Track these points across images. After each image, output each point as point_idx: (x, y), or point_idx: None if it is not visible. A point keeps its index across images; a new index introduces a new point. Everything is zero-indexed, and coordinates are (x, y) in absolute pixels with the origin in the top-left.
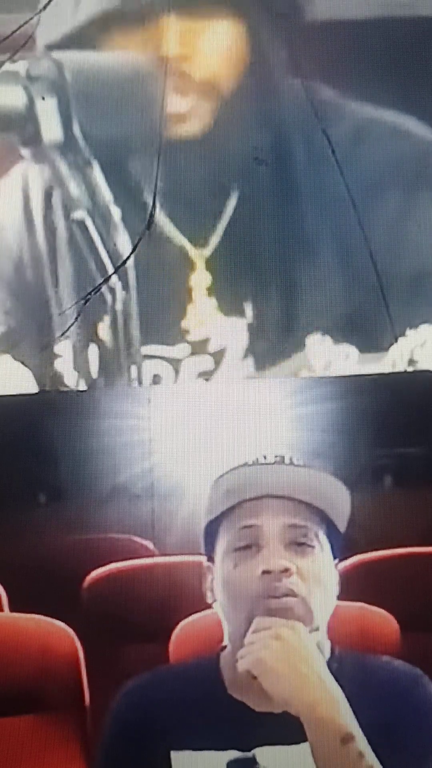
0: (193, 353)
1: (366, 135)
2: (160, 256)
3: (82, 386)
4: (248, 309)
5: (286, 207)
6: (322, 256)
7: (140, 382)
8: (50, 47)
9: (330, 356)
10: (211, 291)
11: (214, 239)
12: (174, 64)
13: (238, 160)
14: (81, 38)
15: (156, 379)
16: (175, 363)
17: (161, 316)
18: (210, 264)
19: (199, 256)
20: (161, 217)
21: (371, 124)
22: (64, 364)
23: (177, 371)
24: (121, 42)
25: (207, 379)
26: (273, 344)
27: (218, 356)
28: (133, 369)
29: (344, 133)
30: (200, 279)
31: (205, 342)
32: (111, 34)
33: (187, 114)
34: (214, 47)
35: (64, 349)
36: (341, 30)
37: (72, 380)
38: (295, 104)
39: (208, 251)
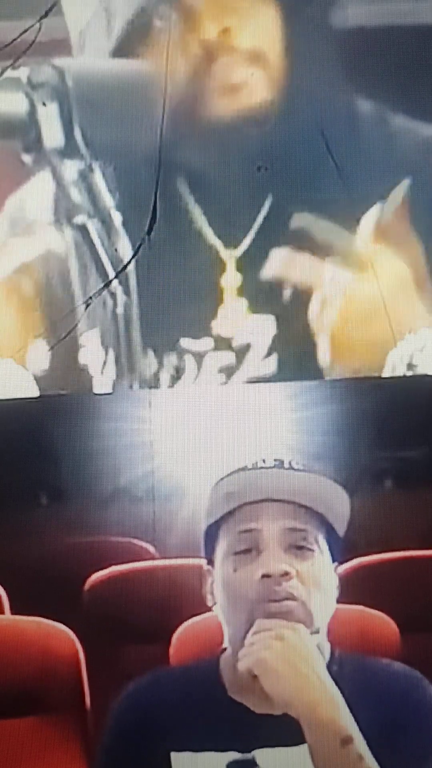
0: (216, 348)
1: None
2: (191, 253)
3: (85, 389)
4: (276, 308)
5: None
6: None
7: (141, 384)
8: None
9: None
10: (241, 291)
11: (247, 240)
12: (216, 40)
13: (271, 148)
14: (124, 49)
15: (179, 372)
16: (197, 357)
17: (190, 313)
18: (240, 264)
19: (230, 256)
20: (196, 213)
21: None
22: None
23: (199, 365)
24: (155, 45)
25: (228, 375)
26: (298, 344)
27: (241, 353)
28: (134, 368)
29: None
30: (230, 279)
31: (229, 339)
32: (149, 33)
33: (241, 85)
34: (255, 22)
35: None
36: (363, 36)
37: (76, 382)
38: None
39: (239, 252)
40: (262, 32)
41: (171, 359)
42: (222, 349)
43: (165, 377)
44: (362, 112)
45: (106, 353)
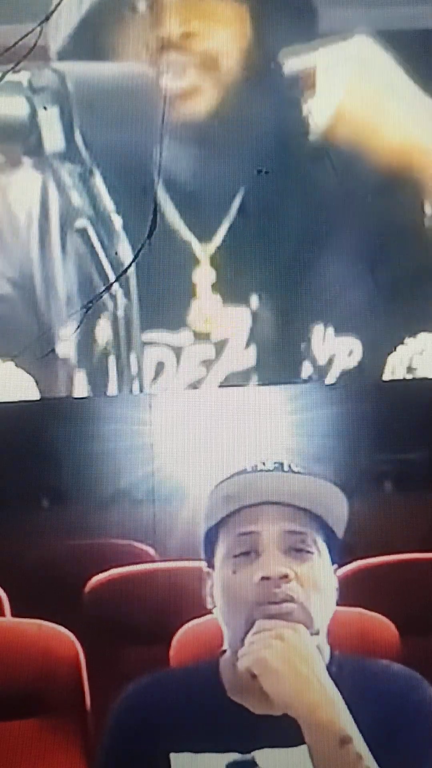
0: (195, 341)
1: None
2: (166, 249)
3: (84, 392)
4: (253, 300)
5: (291, 203)
6: (327, 255)
7: (141, 388)
8: (60, 54)
9: (333, 349)
10: (215, 287)
11: (219, 235)
12: (176, 41)
13: (239, 159)
14: (85, 32)
15: (159, 367)
16: (177, 350)
17: (165, 307)
18: (214, 260)
19: (203, 251)
20: (169, 210)
21: None
22: (68, 369)
23: (179, 358)
24: (121, 30)
25: (208, 369)
26: (276, 334)
27: (220, 345)
28: (134, 371)
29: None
30: (204, 275)
31: (207, 333)
32: (112, 23)
33: (191, 90)
34: (215, 24)
35: (67, 353)
36: None
37: (76, 386)
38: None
39: (212, 247)
40: (225, 39)
41: (151, 354)
42: (201, 343)
43: (147, 374)
44: None
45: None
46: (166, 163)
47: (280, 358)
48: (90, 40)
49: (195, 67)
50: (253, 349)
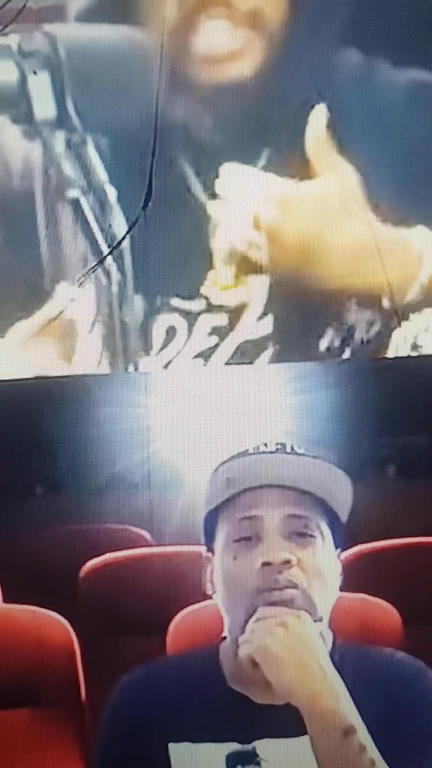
0: (208, 309)
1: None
2: (184, 214)
3: (79, 370)
4: (268, 273)
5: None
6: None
7: (135, 365)
8: (79, 18)
9: (353, 321)
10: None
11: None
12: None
13: (279, 109)
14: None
15: (170, 332)
16: (190, 317)
17: (180, 272)
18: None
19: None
20: (191, 177)
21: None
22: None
23: (191, 326)
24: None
25: (221, 337)
26: (295, 304)
27: (235, 313)
28: (129, 346)
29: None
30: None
31: (223, 299)
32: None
33: (239, 52)
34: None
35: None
36: None
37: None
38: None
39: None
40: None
41: (162, 320)
42: (215, 312)
43: (157, 339)
44: (361, 68)
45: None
46: (185, 124)
47: (297, 329)
48: (110, 6)
49: (238, 26)
50: (269, 319)
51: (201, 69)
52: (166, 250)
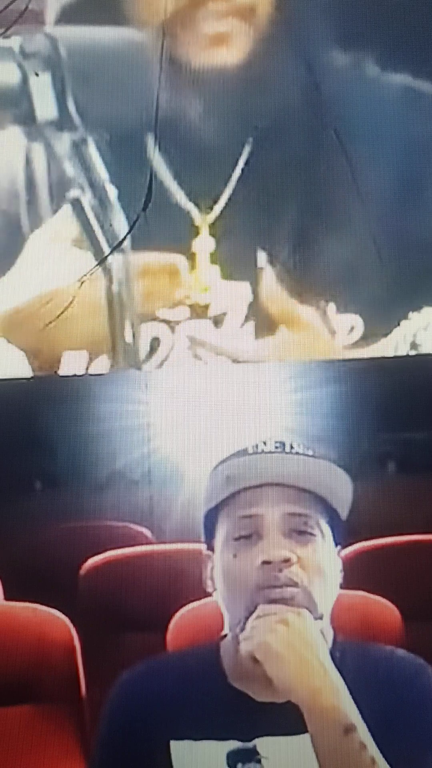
0: (192, 317)
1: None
2: (164, 217)
3: (79, 369)
4: (251, 274)
5: (293, 172)
6: (328, 227)
7: (137, 365)
8: (59, 20)
9: (335, 325)
10: (215, 257)
11: (219, 204)
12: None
13: (239, 128)
14: (78, 13)
15: (155, 343)
16: (173, 326)
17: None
18: (214, 229)
19: (203, 221)
20: (167, 178)
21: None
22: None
23: (174, 334)
24: (120, 13)
25: (203, 346)
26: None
27: (218, 320)
28: (129, 346)
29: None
30: (203, 244)
31: (205, 307)
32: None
33: (227, 37)
34: None
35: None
36: None
37: (72, 362)
38: (296, 73)
39: (212, 216)
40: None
41: (147, 330)
42: (198, 318)
43: (143, 350)
44: (345, 64)
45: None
46: (165, 130)
47: (274, 332)
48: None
49: (232, 14)
50: (251, 325)
51: (198, 57)
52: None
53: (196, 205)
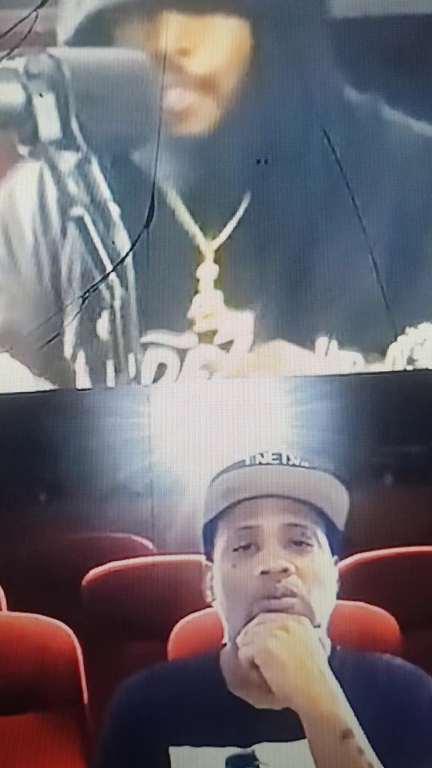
0: (198, 343)
1: (368, 133)
2: (170, 243)
3: (82, 383)
4: (255, 304)
5: (295, 206)
6: (327, 255)
7: (138, 380)
8: (67, 43)
9: (336, 362)
10: (218, 283)
11: (226, 231)
12: (174, 58)
13: (246, 159)
14: (83, 35)
15: (161, 369)
16: (181, 353)
17: (167, 303)
18: (219, 256)
19: (208, 247)
20: (176, 203)
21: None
22: (64, 361)
23: (182, 361)
24: (121, 36)
25: (211, 372)
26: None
27: (225, 348)
28: (131, 363)
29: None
30: (208, 271)
31: (212, 333)
32: (112, 29)
33: (187, 111)
34: (216, 44)
35: (64, 345)
36: (360, 28)
37: (73, 377)
38: (303, 103)
39: (217, 243)
40: (225, 57)
41: (154, 355)
42: (206, 344)
43: (147, 374)
44: (354, 104)
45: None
46: (174, 156)
47: (279, 362)
48: (98, 32)
49: (193, 88)
50: (252, 354)
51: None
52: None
53: (202, 231)
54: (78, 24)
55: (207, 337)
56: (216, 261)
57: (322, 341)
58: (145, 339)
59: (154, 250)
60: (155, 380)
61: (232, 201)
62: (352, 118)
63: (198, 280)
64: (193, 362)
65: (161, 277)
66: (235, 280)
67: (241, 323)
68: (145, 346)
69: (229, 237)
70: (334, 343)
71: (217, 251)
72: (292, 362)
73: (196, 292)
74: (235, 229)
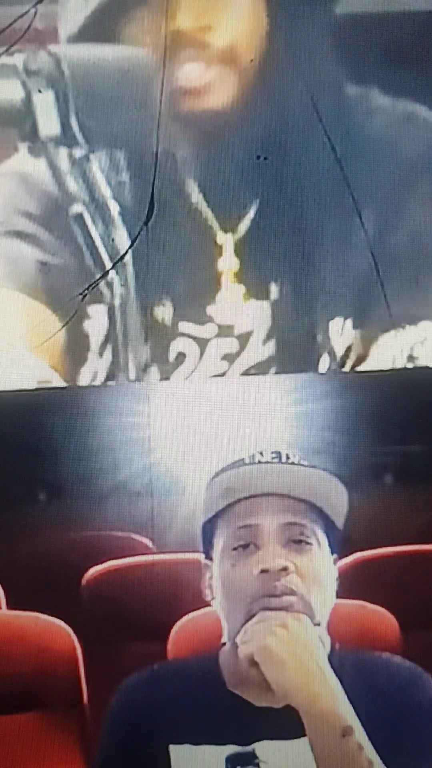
0: (219, 335)
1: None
2: (190, 236)
3: (82, 381)
4: (273, 292)
5: (304, 200)
6: (329, 249)
7: (140, 379)
8: (69, 39)
9: (351, 340)
10: (239, 277)
11: (243, 225)
12: (193, 35)
13: (268, 135)
14: (88, 31)
15: (180, 358)
16: (202, 343)
17: (190, 295)
18: (238, 249)
19: (227, 240)
20: (195, 195)
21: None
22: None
23: (202, 351)
24: (126, 32)
25: (231, 362)
26: (295, 327)
27: (243, 338)
28: (131, 363)
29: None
30: (228, 264)
31: (231, 326)
32: (117, 25)
33: (210, 86)
34: (233, 17)
35: (64, 341)
36: (368, 23)
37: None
38: (306, 99)
39: (236, 236)
40: (243, 29)
41: (174, 344)
42: (225, 336)
43: (166, 365)
44: (354, 99)
45: (104, 344)
46: (191, 151)
47: (298, 351)
48: (103, 27)
49: (212, 62)
50: (272, 343)
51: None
52: (169, 266)
53: (220, 223)
54: (83, 20)
55: (226, 329)
56: (236, 253)
57: (337, 321)
58: (163, 328)
59: (173, 243)
60: (174, 368)
61: (250, 193)
62: (350, 111)
63: (220, 274)
64: (213, 354)
65: (183, 268)
66: (254, 273)
67: (257, 314)
68: (148, 336)
69: (249, 230)
70: (349, 322)
71: (237, 243)
72: None
73: (218, 285)
74: (252, 221)
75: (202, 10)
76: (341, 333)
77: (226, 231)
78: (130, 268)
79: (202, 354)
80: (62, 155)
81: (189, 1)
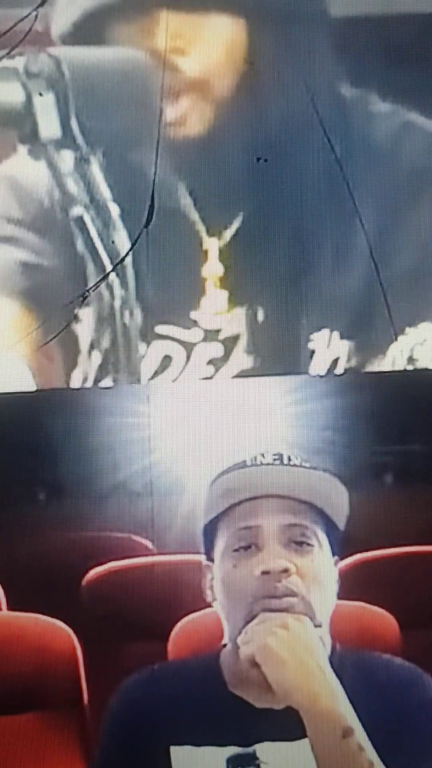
0: (205, 339)
1: (370, 132)
2: (177, 240)
3: (81, 383)
4: (257, 302)
5: (296, 205)
6: (328, 254)
7: (139, 379)
8: (62, 39)
9: (338, 353)
10: (223, 282)
11: (229, 231)
12: (169, 58)
13: (244, 160)
14: (79, 33)
15: (166, 361)
16: (188, 347)
17: (174, 298)
18: (223, 255)
19: (212, 245)
20: (184, 200)
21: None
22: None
23: (188, 355)
24: (118, 36)
25: (216, 368)
26: (280, 338)
27: (228, 344)
28: (131, 363)
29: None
30: (212, 269)
31: (217, 331)
32: (107, 28)
33: (183, 117)
34: (211, 43)
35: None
36: (360, 27)
37: (73, 377)
38: (300, 103)
39: (222, 242)
40: (220, 56)
41: (159, 348)
42: (211, 341)
43: (150, 368)
44: (353, 102)
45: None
46: (181, 156)
47: (284, 359)
48: (94, 29)
49: (188, 91)
50: (257, 351)
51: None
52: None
53: (207, 228)
54: (73, 21)
55: (212, 334)
56: (221, 259)
57: (323, 333)
58: (152, 332)
59: (159, 247)
60: (159, 372)
61: (238, 198)
62: (347, 115)
63: (204, 279)
64: (198, 358)
65: (167, 272)
66: (238, 278)
67: (243, 321)
68: (150, 338)
69: (235, 235)
70: (336, 334)
71: (222, 250)
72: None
73: (202, 290)
74: (240, 227)
75: (178, 32)
76: (328, 344)
77: (212, 235)
78: (129, 270)
79: (188, 358)
80: (62, 157)
81: (167, 23)
